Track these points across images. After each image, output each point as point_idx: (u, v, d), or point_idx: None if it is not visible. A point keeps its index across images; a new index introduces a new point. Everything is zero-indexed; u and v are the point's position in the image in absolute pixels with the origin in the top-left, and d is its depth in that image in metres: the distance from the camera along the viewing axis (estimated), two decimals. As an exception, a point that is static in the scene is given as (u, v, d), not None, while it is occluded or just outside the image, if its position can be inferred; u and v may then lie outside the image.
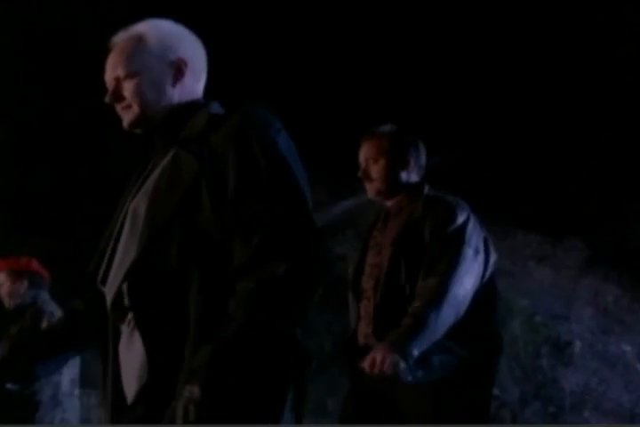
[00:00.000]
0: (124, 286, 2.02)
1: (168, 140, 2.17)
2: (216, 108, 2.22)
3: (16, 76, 9.25)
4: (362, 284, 3.46)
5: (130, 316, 2.02)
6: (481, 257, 3.30)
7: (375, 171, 3.50)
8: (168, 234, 1.98)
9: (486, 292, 3.33)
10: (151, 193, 2.10)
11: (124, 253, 2.07)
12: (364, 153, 3.56)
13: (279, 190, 1.94)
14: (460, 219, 3.31)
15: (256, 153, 1.98)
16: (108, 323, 2.09)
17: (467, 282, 3.22)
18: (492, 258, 3.38)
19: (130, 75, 2.18)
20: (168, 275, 1.96)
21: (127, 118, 2.21)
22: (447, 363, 3.19)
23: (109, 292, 2.07)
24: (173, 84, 2.20)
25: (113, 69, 2.22)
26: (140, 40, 2.21)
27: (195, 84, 2.26)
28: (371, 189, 3.54)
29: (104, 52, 2.23)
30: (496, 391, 10.67)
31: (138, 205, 2.11)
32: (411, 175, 3.52)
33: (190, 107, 2.20)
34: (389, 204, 3.53)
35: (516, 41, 8.63)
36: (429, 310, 3.14)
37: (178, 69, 2.21)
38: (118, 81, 2.20)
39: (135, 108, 2.18)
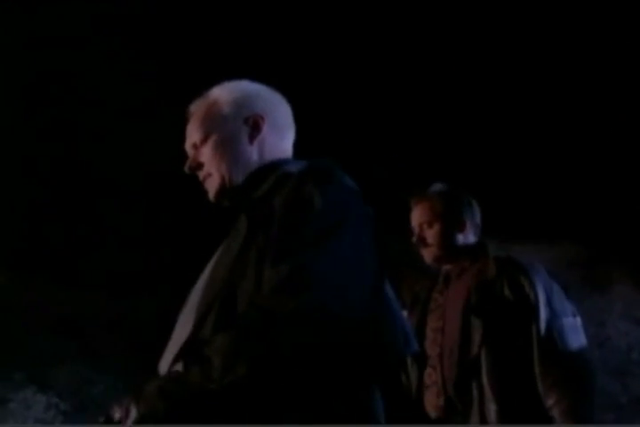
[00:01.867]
0: (177, 367, 1.77)
1: (240, 204, 2.00)
2: (295, 166, 1.97)
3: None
4: (424, 350, 3.18)
5: None
6: (579, 318, 3.11)
7: (431, 236, 3.31)
8: (213, 307, 1.78)
9: None
10: (213, 264, 1.95)
11: (180, 330, 1.88)
12: (417, 217, 3.36)
13: (325, 244, 1.70)
14: (541, 282, 3.10)
15: (300, 210, 1.76)
16: None
17: (582, 349, 3.04)
18: None
19: (204, 138, 2.07)
20: None
21: (211, 190, 2.08)
22: None
23: (161, 371, 1.85)
24: (250, 141, 2.06)
25: (190, 137, 2.13)
26: (212, 103, 2.11)
27: (279, 142, 2.10)
28: (428, 256, 3.33)
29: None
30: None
31: (203, 276, 1.96)
32: (468, 237, 3.33)
33: (270, 166, 2.03)
34: (447, 267, 3.32)
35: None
36: (579, 403, 2.96)
37: (254, 125, 2.06)
38: (195, 148, 2.10)
39: (215, 175, 2.05)
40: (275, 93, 2.15)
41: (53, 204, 9.33)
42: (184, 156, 2.13)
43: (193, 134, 2.11)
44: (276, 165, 2.02)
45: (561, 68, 8.85)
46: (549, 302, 3.06)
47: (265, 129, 2.07)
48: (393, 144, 8.97)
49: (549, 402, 2.95)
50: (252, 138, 2.06)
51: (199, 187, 2.10)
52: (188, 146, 2.13)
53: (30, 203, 9.36)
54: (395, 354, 1.83)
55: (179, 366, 1.76)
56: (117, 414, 1.68)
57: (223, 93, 2.12)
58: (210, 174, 2.06)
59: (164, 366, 1.84)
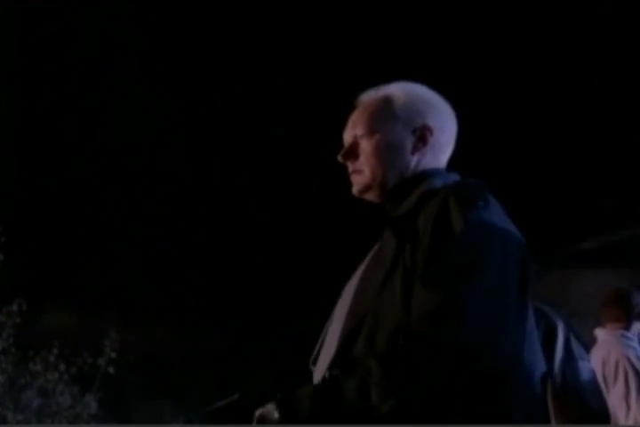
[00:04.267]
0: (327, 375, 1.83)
1: (385, 219, 1.98)
2: (441, 181, 2.00)
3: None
4: None
5: None
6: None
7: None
8: (363, 324, 1.81)
9: None
10: (359, 277, 1.95)
11: (330, 341, 1.92)
12: None
13: (465, 283, 1.72)
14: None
15: (449, 236, 1.78)
16: None
17: None
18: None
19: (368, 133, 2.04)
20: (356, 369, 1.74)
21: (357, 184, 2.06)
22: None
23: (315, 379, 1.90)
24: (412, 152, 2.02)
25: (353, 127, 2.09)
26: (387, 101, 2.06)
27: (436, 157, 2.06)
28: None
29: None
30: None
31: (349, 288, 1.97)
32: None
33: (418, 180, 2.01)
34: None
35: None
36: None
37: (421, 137, 2.02)
38: (355, 139, 2.06)
39: (367, 173, 2.03)
40: (447, 107, 2.11)
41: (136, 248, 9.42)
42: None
43: (357, 125, 2.07)
44: (423, 178, 2.01)
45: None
46: None
47: (430, 143, 2.02)
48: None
49: None
50: (415, 149, 2.01)
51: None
52: (347, 134, 2.10)
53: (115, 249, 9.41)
54: (535, 383, 1.84)
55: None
56: (258, 412, 1.78)
57: (400, 94, 2.07)
58: (361, 171, 2.04)
59: (317, 377, 1.89)
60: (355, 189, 2.04)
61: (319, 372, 1.85)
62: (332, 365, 1.80)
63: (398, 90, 2.06)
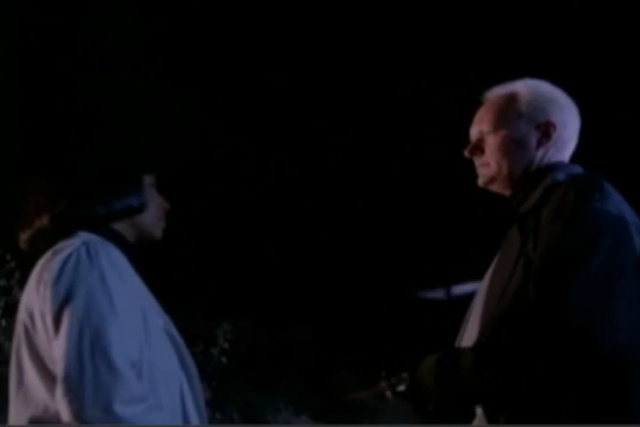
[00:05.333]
0: None
1: (513, 213, 2.08)
2: (564, 174, 2.08)
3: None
4: None
5: None
6: None
7: None
8: (496, 319, 1.92)
9: None
10: (491, 274, 2.07)
11: (470, 332, 2.06)
12: None
13: (576, 264, 1.79)
14: None
15: (564, 227, 1.85)
16: None
17: None
18: None
19: (494, 130, 2.13)
20: None
21: (483, 176, 2.17)
22: None
23: None
24: (537, 147, 2.11)
25: (479, 123, 2.18)
26: (512, 98, 2.15)
27: (559, 151, 2.15)
28: None
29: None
30: None
31: (486, 279, 2.10)
32: None
33: (542, 174, 2.08)
34: None
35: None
36: None
37: (545, 132, 2.11)
38: (481, 135, 2.16)
39: (493, 166, 2.13)
40: (571, 103, 2.19)
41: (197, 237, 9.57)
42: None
43: (483, 122, 2.17)
44: (547, 172, 2.08)
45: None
46: None
47: (553, 138, 2.12)
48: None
49: None
50: (539, 144, 2.11)
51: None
52: (473, 130, 2.21)
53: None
54: None
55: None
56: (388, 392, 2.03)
57: (525, 91, 2.15)
58: (488, 164, 2.15)
59: None
60: (480, 181, 2.16)
61: None
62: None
63: (523, 87, 2.16)
